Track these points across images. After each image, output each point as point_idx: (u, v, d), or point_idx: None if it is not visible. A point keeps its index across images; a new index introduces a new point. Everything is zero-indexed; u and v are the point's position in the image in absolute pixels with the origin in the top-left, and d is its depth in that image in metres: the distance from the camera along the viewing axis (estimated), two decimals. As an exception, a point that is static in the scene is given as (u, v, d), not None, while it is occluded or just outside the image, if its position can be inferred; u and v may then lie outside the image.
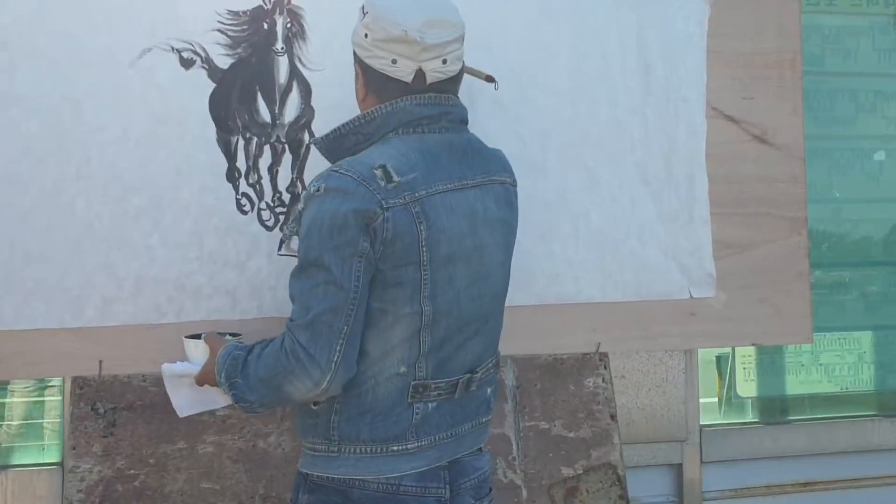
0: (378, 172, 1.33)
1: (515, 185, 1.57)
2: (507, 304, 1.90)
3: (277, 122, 1.93)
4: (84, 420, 1.81)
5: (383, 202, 1.31)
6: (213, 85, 1.89)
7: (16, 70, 1.82)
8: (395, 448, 1.37)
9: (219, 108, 1.90)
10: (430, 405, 1.40)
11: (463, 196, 1.41)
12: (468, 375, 1.44)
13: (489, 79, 1.88)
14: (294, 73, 1.94)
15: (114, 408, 1.82)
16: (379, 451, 1.37)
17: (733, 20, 2.17)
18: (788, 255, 2.20)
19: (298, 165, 1.94)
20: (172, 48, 1.87)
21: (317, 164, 1.86)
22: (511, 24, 2.05)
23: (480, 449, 1.52)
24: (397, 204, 1.32)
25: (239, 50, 1.91)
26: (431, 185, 1.37)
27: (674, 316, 2.12)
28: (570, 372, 2.04)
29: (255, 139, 1.92)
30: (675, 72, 2.13)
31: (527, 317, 2.02)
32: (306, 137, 1.94)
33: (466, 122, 1.50)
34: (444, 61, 1.41)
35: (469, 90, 1.96)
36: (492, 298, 1.48)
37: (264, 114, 1.93)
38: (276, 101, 1.93)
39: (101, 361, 1.82)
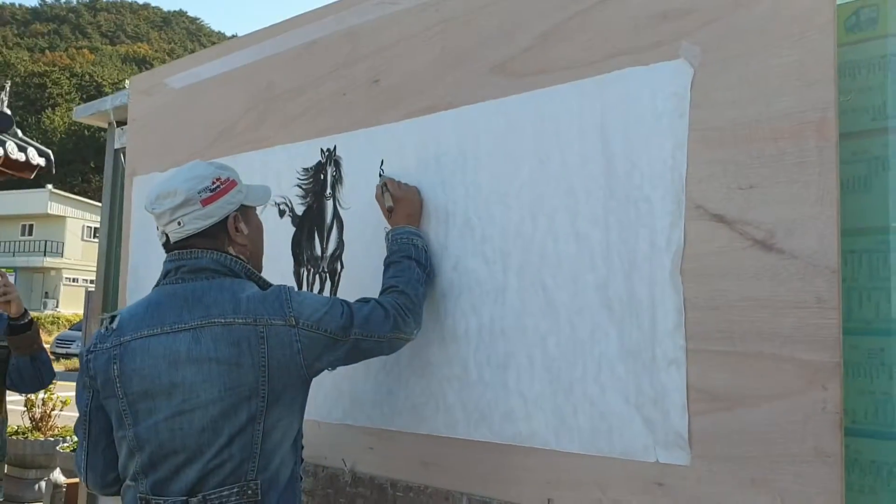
0: (105, 321, 1.70)
1: (258, 324, 1.59)
2: (470, 438, 1.89)
3: (324, 254, 2.31)
4: None
5: (92, 346, 1.68)
6: (294, 229, 2.40)
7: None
8: None
9: (296, 246, 2.39)
10: None
11: (167, 339, 1.60)
12: (184, 499, 1.61)
13: (389, 210, 1.90)
14: (335, 213, 2.29)
15: None
16: None
17: (729, 80, 1.52)
18: (804, 419, 1.40)
19: (333, 289, 2.27)
20: (274, 202, 2.46)
21: (346, 287, 2.18)
22: (482, 140, 1.93)
23: None
24: (103, 348, 1.66)
25: (308, 199, 2.37)
26: (139, 330, 1.64)
27: (637, 483, 1.60)
28: (514, 525, 1.78)
29: (312, 269, 2.34)
30: (637, 164, 1.63)
31: (484, 454, 1.87)
32: (339, 266, 2.26)
33: (208, 270, 1.67)
34: (179, 223, 1.69)
35: (447, 214, 2.00)
36: (200, 431, 1.58)
37: (317, 249, 2.33)
38: (325, 237, 2.31)
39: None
